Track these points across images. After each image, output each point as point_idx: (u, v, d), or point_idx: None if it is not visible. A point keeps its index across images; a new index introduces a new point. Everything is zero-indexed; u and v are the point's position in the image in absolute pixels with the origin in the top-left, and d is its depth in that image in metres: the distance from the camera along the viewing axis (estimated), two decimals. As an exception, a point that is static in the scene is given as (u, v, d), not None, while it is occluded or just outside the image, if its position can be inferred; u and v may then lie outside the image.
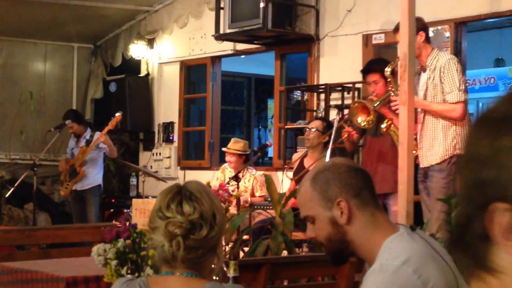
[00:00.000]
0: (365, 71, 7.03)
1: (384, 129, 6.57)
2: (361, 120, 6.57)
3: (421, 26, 6.33)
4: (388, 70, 6.43)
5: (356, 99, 8.06)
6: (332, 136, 7.03)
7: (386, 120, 6.54)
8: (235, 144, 8.82)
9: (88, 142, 9.58)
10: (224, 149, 9.02)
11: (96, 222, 9.35)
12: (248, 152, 8.93)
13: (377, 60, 7.31)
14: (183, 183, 2.52)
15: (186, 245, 2.38)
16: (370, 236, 2.44)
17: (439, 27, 7.81)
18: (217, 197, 2.58)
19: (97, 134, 9.52)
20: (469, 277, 1.00)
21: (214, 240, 2.44)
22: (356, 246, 2.47)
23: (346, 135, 6.96)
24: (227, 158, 8.87)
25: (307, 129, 7.75)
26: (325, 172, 2.50)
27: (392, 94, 6.43)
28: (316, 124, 7.72)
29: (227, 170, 8.91)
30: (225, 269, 3.33)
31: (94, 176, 9.66)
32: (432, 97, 6.23)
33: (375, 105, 6.60)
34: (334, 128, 7.06)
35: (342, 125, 7.02)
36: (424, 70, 6.34)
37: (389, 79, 6.47)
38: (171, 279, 2.44)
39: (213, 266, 2.54)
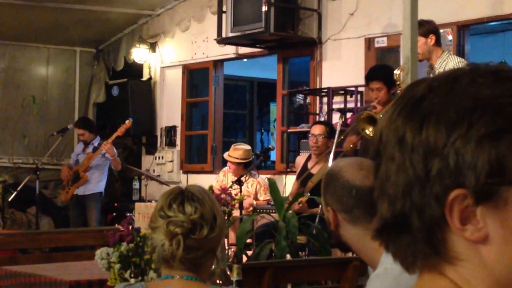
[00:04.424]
0: (369, 78, 7.00)
1: None
2: (370, 131, 6.51)
3: (431, 29, 6.29)
4: (397, 73, 6.39)
5: (360, 112, 7.98)
6: (335, 139, 7.02)
7: None
8: (235, 152, 8.68)
9: (95, 149, 9.58)
10: (225, 156, 8.95)
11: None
12: (248, 160, 8.76)
13: (381, 66, 7.28)
14: (184, 186, 2.54)
15: (186, 244, 2.40)
16: (366, 244, 2.43)
17: (442, 30, 7.80)
18: (217, 201, 2.59)
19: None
20: (421, 267, 1.03)
21: (213, 242, 2.45)
22: (354, 249, 2.50)
23: (351, 145, 6.94)
24: (228, 163, 8.82)
25: (312, 136, 7.70)
26: (330, 176, 2.53)
27: None
28: (322, 130, 7.68)
29: (229, 174, 8.88)
30: (228, 272, 3.33)
31: (97, 183, 9.64)
32: None
33: (382, 113, 6.57)
34: (337, 132, 7.04)
35: (347, 133, 6.99)
36: (434, 73, 6.31)
37: (398, 82, 6.44)
38: (171, 282, 2.44)
39: (212, 268, 2.54)
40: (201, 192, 2.50)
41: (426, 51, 6.26)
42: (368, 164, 2.51)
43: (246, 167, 8.58)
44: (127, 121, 9.44)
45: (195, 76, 11.40)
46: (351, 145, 6.97)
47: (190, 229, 2.40)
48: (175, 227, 2.40)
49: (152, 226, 2.47)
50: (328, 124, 8.00)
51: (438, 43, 6.35)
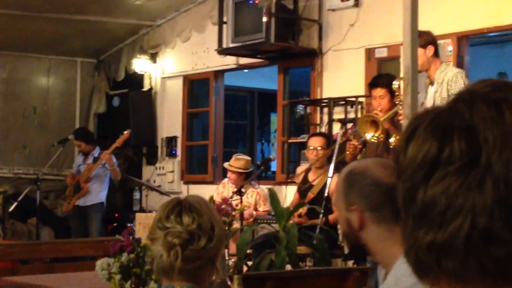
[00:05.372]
0: (372, 85, 7.01)
1: (393, 144, 6.54)
2: (371, 135, 6.55)
3: (430, 40, 6.32)
4: (396, 84, 6.41)
5: (364, 114, 8.00)
6: (336, 150, 7.02)
7: (394, 135, 6.52)
8: (236, 162, 8.74)
9: (96, 160, 9.59)
10: (225, 165, 8.98)
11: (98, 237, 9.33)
12: (249, 170, 8.82)
13: (385, 75, 7.29)
14: (183, 197, 2.54)
15: (184, 255, 2.40)
16: (386, 248, 2.42)
17: (442, 41, 7.82)
18: (217, 211, 2.59)
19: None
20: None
21: (212, 252, 2.45)
22: (371, 251, 2.46)
23: (351, 149, 6.92)
24: (228, 174, 8.85)
25: (312, 149, 7.71)
26: (355, 174, 2.49)
27: (400, 108, 6.41)
28: (321, 142, 7.70)
29: (228, 185, 8.89)
30: (229, 283, 3.33)
31: (97, 193, 9.65)
32: None
33: (384, 119, 6.58)
34: (338, 142, 7.05)
35: (349, 138, 7.00)
36: (432, 84, 6.33)
37: (397, 93, 6.45)
38: (171, 292, 2.44)
39: (213, 278, 2.54)
40: (199, 202, 2.50)
41: (425, 62, 6.28)
42: (390, 164, 2.50)
43: (246, 178, 8.62)
44: (125, 132, 9.45)
45: (196, 87, 11.42)
46: (351, 150, 6.97)
47: (187, 240, 2.41)
48: (172, 238, 2.41)
49: (150, 237, 2.48)
50: (325, 135, 8.01)
51: (436, 54, 6.37)
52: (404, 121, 4.66)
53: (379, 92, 6.86)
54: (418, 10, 4.77)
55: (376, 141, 6.57)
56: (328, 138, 7.95)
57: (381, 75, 7.41)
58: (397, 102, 6.52)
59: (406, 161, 1.01)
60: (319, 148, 7.64)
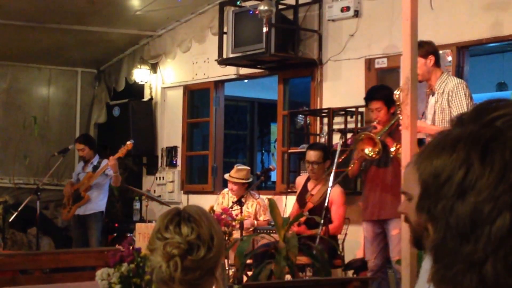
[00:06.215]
0: (368, 99, 7.03)
1: (393, 153, 6.56)
2: (369, 151, 6.57)
3: (431, 50, 6.34)
4: (397, 93, 6.42)
5: (360, 132, 8.03)
6: (336, 160, 7.03)
7: (394, 144, 6.53)
8: (238, 173, 8.74)
9: (95, 168, 9.57)
10: (226, 177, 8.96)
11: (99, 247, 9.32)
12: (250, 180, 8.86)
13: (380, 87, 7.31)
14: (182, 207, 2.54)
15: (184, 266, 2.40)
16: None
17: (442, 51, 7.83)
18: (216, 221, 2.59)
19: (105, 162, 9.50)
20: None
21: (212, 262, 2.45)
22: None
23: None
24: (230, 186, 8.83)
25: (308, 163, 7.73)
26: None
27: (401, 117, 6.42)
28: (317, 156, 7.71)
29: (228, 195, 8.89)
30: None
31: (97, 202, 9.63)
32: (440, 121, 6.21)
33: (379, 134, 6.60)
34: (338, 152, 7.05)
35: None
36: (433, 94, 6.34)
37: (397, 103, 6.46)
38: (171, 303, 2.44)
39: None
40: (199, 212, 2.50)
41: (426, 72, 6.30)
42: None
43: (247, 188, 8.63)
44: (128, 143, 9.44)
45: (196, 97, 11.43)
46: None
47: (187, 250, 2.40)
48: (172, 248, 2.40)
49: (150, 248, 2.48)
50: (322, 147, 7.99)
51: (437, 64, 6.39)
52: (403, 132, 4.66)
53: (375, 105, 6.88)
54: (418, 20, 4.78)
55: (375, 156, 6.60)
56: (325, 149, 7.95)
57: (376, 88, 7.42)
58: (398, 112, 6.53)
59: (484, 182, 0.99)
60: (314, 162, 7.67)
